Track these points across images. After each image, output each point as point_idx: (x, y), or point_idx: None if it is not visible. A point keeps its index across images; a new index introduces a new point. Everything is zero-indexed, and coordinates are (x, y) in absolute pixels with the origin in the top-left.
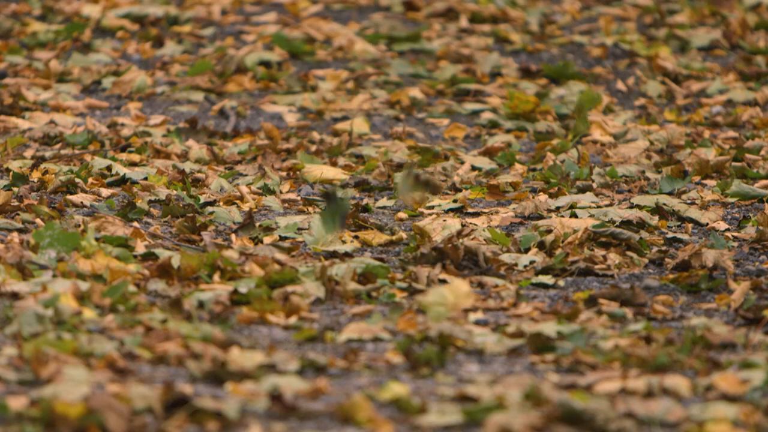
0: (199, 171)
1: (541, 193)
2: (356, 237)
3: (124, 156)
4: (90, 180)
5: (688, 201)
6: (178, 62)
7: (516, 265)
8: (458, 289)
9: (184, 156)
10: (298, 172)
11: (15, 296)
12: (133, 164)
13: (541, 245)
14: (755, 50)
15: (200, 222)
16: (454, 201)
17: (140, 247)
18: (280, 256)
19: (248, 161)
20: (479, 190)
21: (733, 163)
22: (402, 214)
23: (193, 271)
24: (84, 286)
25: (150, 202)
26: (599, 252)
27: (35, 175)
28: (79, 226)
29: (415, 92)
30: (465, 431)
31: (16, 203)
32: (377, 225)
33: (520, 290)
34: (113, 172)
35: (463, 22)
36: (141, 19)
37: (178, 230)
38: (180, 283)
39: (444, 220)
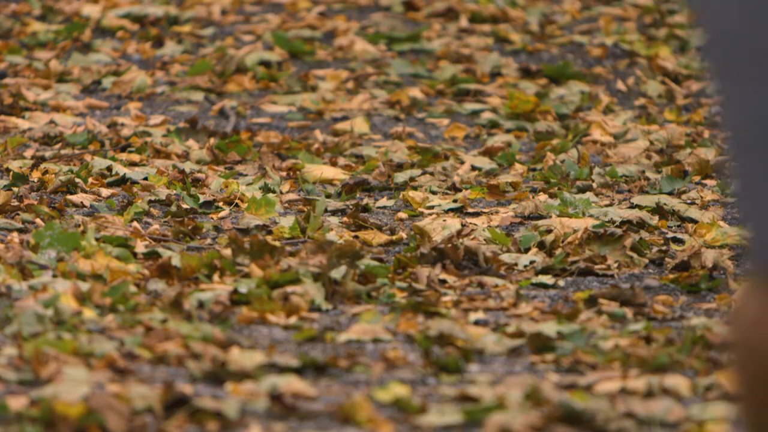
0: (199, 171)
1: (541, 193)
2: (356, 237)
3: (124, 156)
4: (90, 180)
5: (688, 201)
6: (178, 62)
7: (516, 265)
8: None
9: (184, 156)
10: (298, 172)
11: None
12: (133, 164)
13: (541, 245)
14: None
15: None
16: (454, 201)
17: (140, 247)
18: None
19: (248, 161)
20: (479, 190)
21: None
22: (402, 214)
23: (193, 271)
24: (84, 286)
25: (150, 202)
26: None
27: (35, 175)
28: (79, 226)
29: (415, 92)
30: (465, 431)
31: (16, 203)
32: (377, 225)
33: (520, 290)
34: (113, 172)
35: (463, 22)
36: (141, 19)
37: (178, 230)
38: (180, 283)
39: (444, 220)
